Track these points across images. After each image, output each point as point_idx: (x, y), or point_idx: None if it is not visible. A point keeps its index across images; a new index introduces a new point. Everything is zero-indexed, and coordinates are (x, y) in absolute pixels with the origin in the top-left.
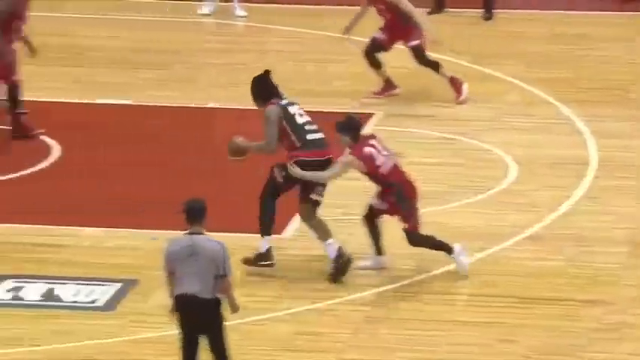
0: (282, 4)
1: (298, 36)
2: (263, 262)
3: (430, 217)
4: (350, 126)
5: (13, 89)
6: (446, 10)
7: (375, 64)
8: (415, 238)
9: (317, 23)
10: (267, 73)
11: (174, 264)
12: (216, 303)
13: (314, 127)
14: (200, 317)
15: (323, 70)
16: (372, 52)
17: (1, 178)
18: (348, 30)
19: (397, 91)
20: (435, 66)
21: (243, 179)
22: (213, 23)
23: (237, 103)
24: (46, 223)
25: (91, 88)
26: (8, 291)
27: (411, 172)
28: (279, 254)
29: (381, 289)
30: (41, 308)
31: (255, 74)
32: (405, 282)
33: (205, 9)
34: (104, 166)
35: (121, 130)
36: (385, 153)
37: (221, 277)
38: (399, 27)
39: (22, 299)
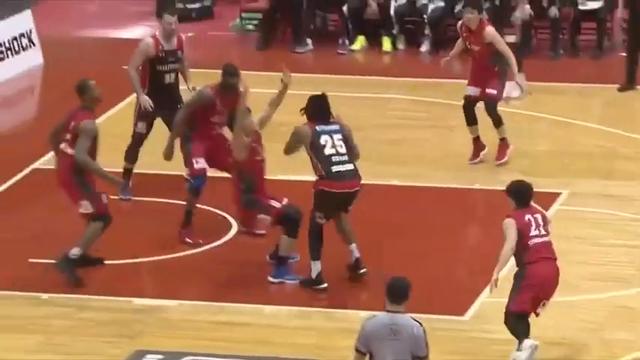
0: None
1: None
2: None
3: (619, 300)
4: (517, 191)
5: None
6: (638, 87)
7: (471, 121)
8: (509, 319)
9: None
10: (323, 95)
11: (371, 342)
12: None
13: (344, 158)
14: None
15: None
16: (470, 107)
17: (182, 253)
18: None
19: (485, 151)
20: (499, 121)
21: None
22: (403, 100)
23: (417, 180)
24: (225, 300)
25: (278, 164)
26: None
27: (600, 254)
28: (460, 336)
29: None
30: None
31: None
32: None
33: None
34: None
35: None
36: (543, 233)
37: (420, 358)
38: (487, 72)
39: None
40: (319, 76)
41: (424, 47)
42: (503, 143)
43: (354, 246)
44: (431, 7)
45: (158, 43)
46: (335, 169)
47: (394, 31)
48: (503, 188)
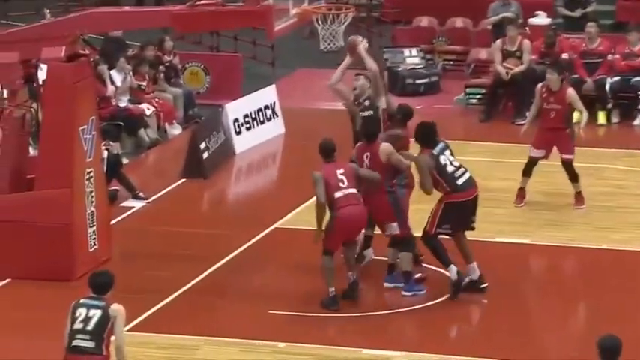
0: None
1: None
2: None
3: None
4: None
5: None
6: None
7: (527, 174)
8: None
9: None
10: (432, 124)
11: None
12: None
13: (463, 170)
14: None
15: None
16: (531, 165)
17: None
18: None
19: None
20: (576, 178)
21: None
22: (617, 169)
23: (628, 245)
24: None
25: (487, 227)
26: None
27: None
28: None
29: None
30: None
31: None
32: None
33: None
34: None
35: (517, 269)
36: None
37: None
38: (558, 134)
39: None
40: None
41: (637, 121)
42: (580, 196)
43: (474, 265)
44: None
45: None
46: (460, 182)
47: (609, 106)
48: None
